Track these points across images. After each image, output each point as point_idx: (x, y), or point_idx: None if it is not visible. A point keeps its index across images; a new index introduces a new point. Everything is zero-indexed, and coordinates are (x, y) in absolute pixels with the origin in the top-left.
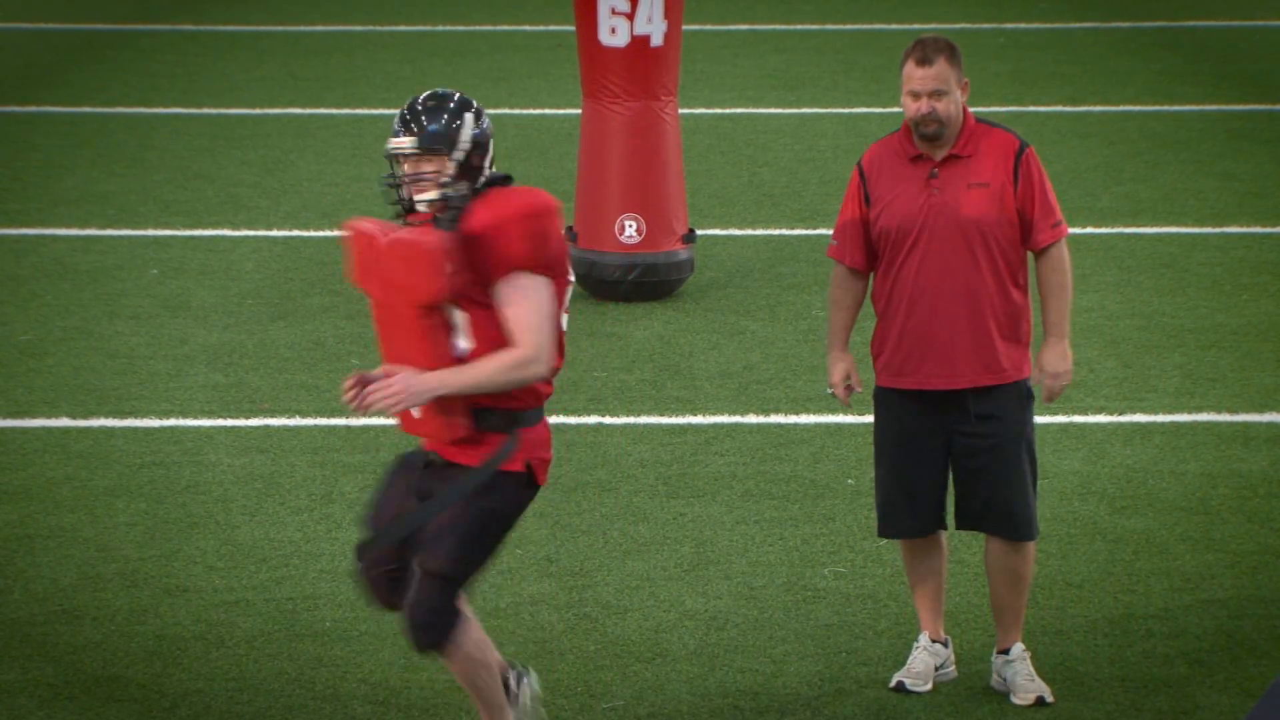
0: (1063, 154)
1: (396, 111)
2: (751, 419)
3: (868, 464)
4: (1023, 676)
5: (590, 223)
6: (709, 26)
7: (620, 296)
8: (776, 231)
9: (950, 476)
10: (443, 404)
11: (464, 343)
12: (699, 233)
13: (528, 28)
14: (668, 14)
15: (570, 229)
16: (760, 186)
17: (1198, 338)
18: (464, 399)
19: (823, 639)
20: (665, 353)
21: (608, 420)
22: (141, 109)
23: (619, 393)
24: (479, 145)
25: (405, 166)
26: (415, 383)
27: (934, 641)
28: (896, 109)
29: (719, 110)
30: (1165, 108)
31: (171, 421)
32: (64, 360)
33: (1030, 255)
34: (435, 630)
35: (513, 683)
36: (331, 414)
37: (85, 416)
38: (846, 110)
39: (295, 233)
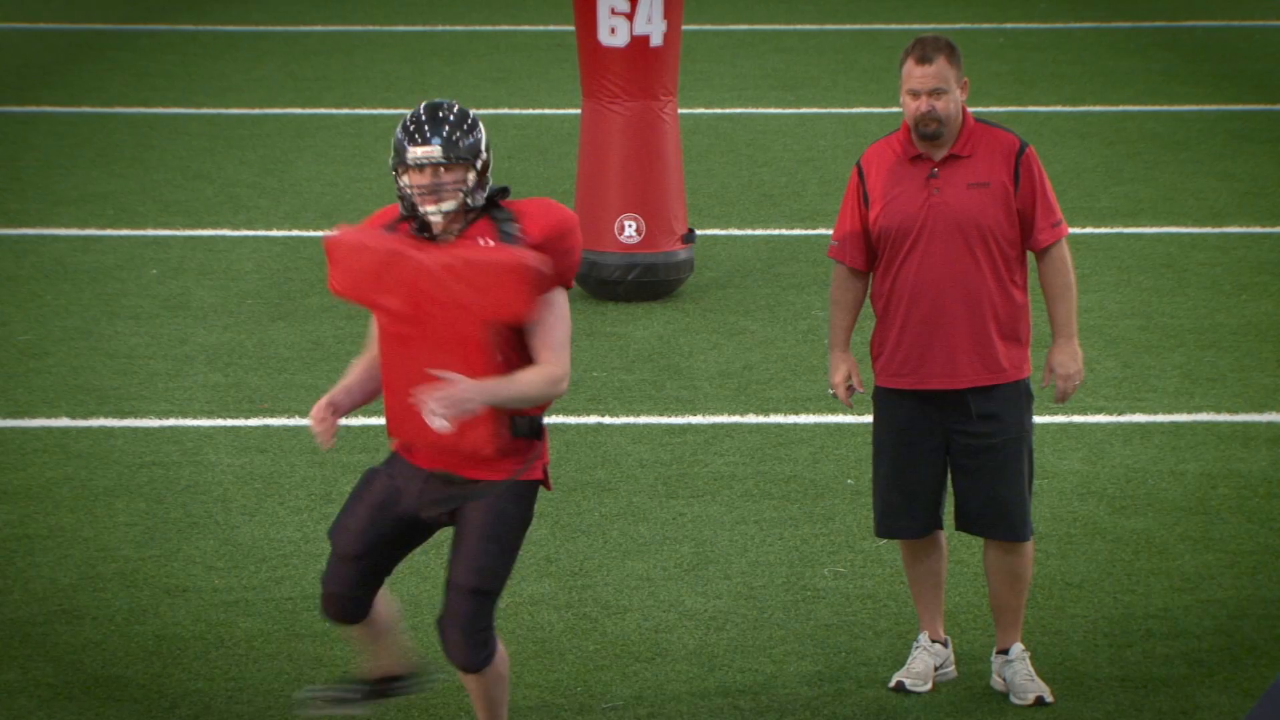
0: (1063, 154)
1: (398, 112)
2: (751, 419)
3: (867, 464)
4: (1022, 676)
5: (590, 223)
6: (709, 26)
7: (620, 296)
8: (776, 231)
9: (949, 477)
10: (491, 415)
11: None
12: (699, 233)
13: (528, 28)
14: (667, 14)
15: None
16: (760, 186)
17: (1197, 338)
18: (508, 410)
19: (823, 639)
20: (665, 353)
21: (608, 420)
22: (141, 109)
23: (619, 393)
24: (489, 155)
25: (425, 176)
26: (473, 391)
27: (934, 641)
28: (896, 109)
29: (719, 110)
30: (1165, 108)
31: (171, 421)
32: (64, 360)
33: (1031, 255)
34: (487, 648)
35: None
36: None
37: (85, 416)
38: (846, 110)
39: (295, 233)
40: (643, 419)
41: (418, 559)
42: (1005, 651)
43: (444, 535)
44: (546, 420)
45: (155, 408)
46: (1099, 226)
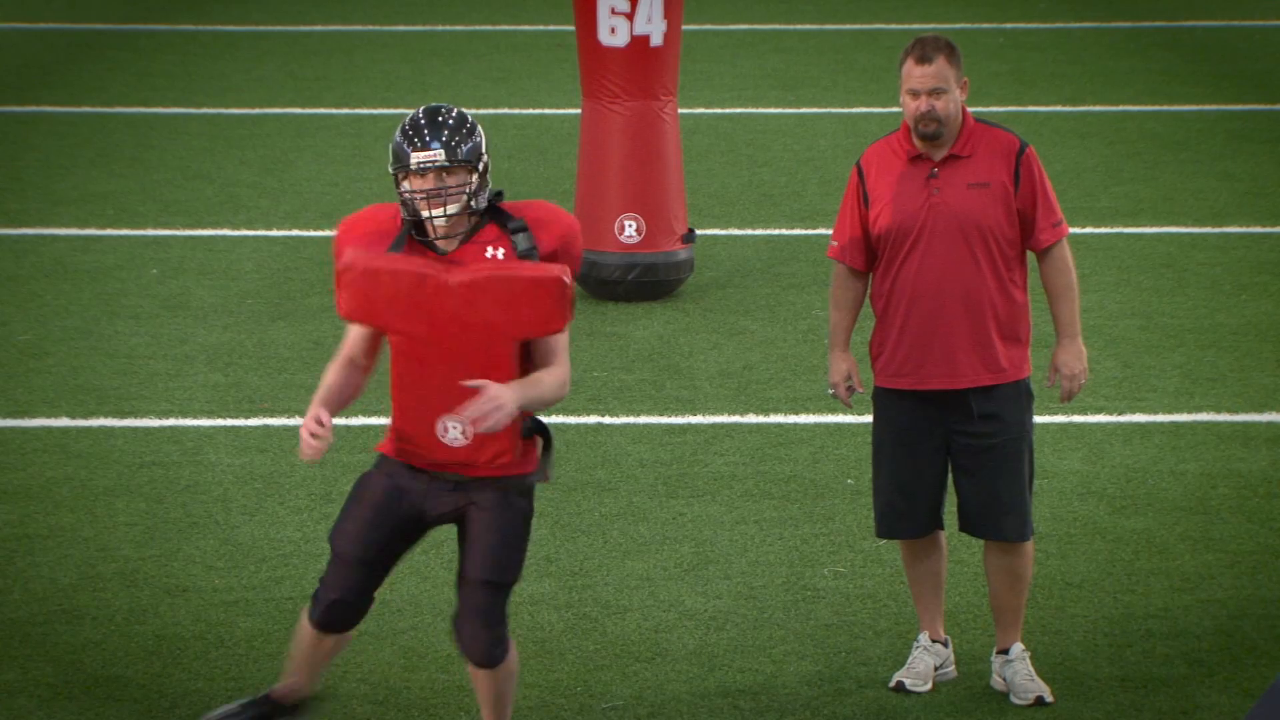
0: (1063, 154)
1: (398, 112)
2: (751, 419)
3: (867, 464)
4: (1022, 676)
5: (590, 223)
6: (709, 26)
7: (620, 296)
8: (776, 231)
9: (949, 477)
10: (514, 424)
11: None
12: (699, 233)
13: (528, 28)
14: (667, 14)
15: None
16: (760, 186)
17: (1197, 338)
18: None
19: (823, 639)
20: (665, 353)
21: (608, 420)
22: (141, 109)
23: (619, 393)
24: (488, 157)
25: (427, 181)
26: (507, 396)
27: (934, 641)
28: (896, 109)
29: (719, 110)
30: (1165, 108)
31: (171, 421)
32: (64, 360)
33: (1031, 255)
34: (503, 642)
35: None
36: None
37: (85, 416)
38: (846, 110)
39: (295, 233)
40: (643, 419)
41: (418, 559)
42: (1005, 651)
43: (441, 535)
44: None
45: (155, 408)
46: (1099, 226)
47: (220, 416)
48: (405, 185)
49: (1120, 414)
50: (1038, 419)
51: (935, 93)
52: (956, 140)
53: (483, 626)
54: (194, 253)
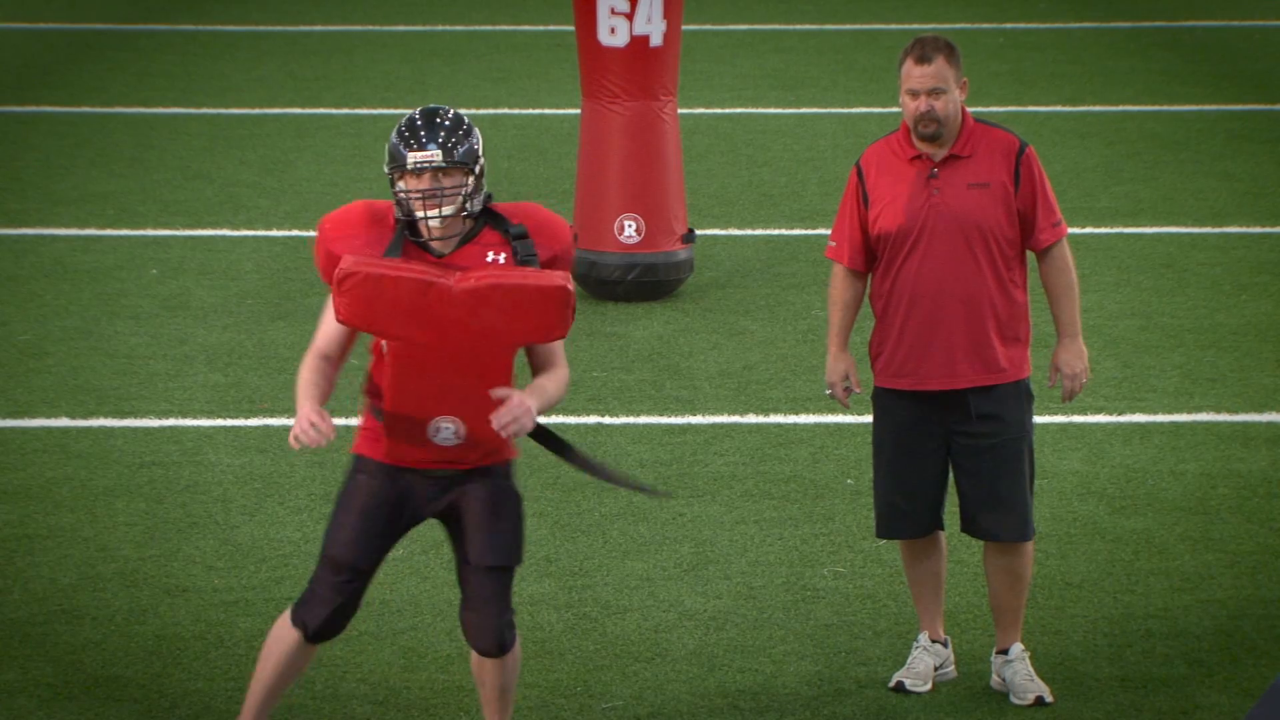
0: (1062, 154)
1: (398, 112)
2: (751, 419)
3: (867, 464)
4: (1022, 676)
5: (590, 223)
6: (709, 26)
7: (620, 296)
8: (776, 231)
9: (950, 477)
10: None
11: None
12: (699, 233)
13: (527, 28)
14: (667, 14)
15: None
16: (760, 186)
17: (1197, 338)
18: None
19: (822, 639)
20: (665, 353)
21: (608, 420)
22: (140, 109)
23: (619, 393)
24: (484, 160)
25: (424, 181)
26: (532, 402)
27: (934, 641)
28: (896, 109)
29: (719, 110)
30: (1165, 108)
31: (171, 421)
32: (64, 360)
33: (1031, 255)
34: (512, 628)
35: None
36: (330, 413)
37: (85, 416)
38: (846, 110)
39: (295, 233)
40: (643, 419)
41: (418, 559)
42: (1005, 651)
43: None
44: (547, 420)
45: (155, 408)
46: (1099, 226)
47: (220, 416)
48: (401, 185)
49: (1120, 414)
50: (1038, 419)
51: (934, 93)
52: (956, 140)
53: (493, 613)
54: (194, 253)
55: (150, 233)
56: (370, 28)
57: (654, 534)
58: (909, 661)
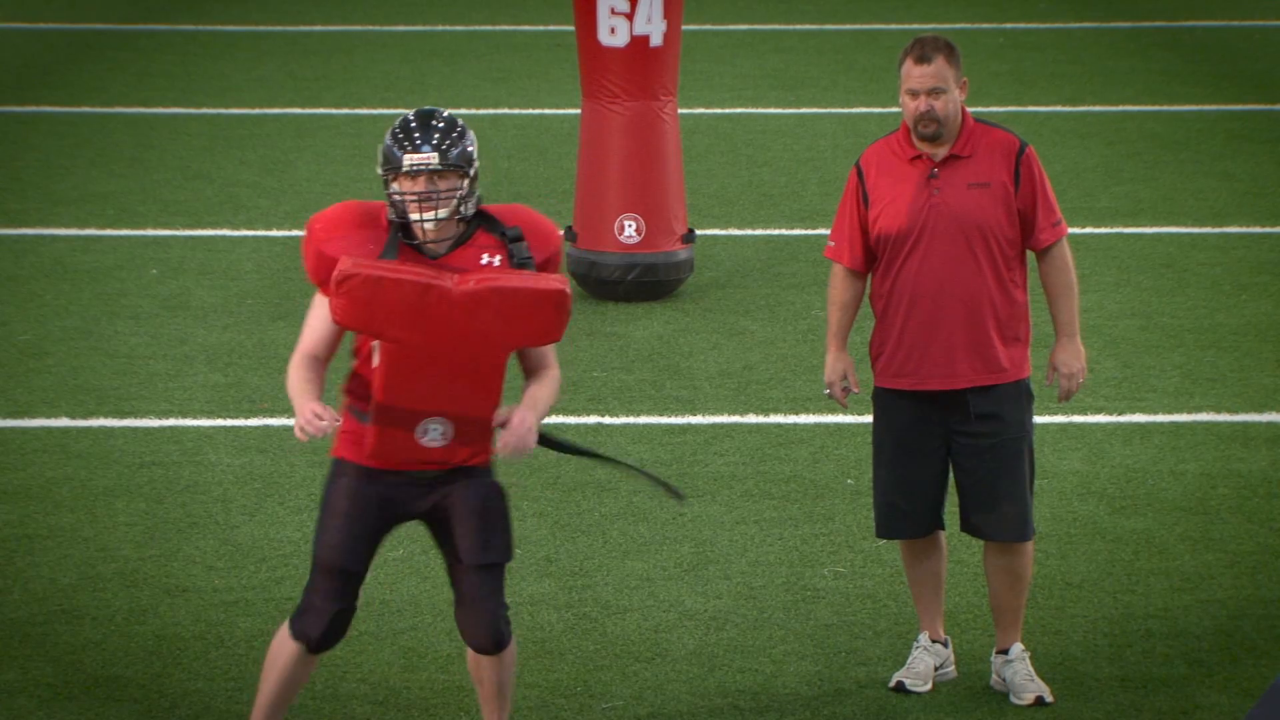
0: (1062, 154)
1: (398, 112)
2: (751, 419)
3: (867, 464)
4: (1022, 676)
5: (590, 223)
6: (709, 26)
7: (620, 296)
8: (776, 231)
9: (950, 477)
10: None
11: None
12: (699, 233)
13: (527, 28)
14: (667, 14)
15: (570, 229)
16: (760, 186)
17: (1197, 338)
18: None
19: (823, 639)
20: (665, 353)
21: (608, 420)
22: (140, 109)
23: (619, 393)
24: (478, 163)
25: (419, 183)
26: (533, 419)
27: (934, 641)
28: (896, 109)
29: (719, 110)
30: (1165, 108)
31: (171, 421)
32: (64, 360)
33: (1031, 255)
34: (509, 623)
35: None
36: None
37: (85, 416)
38: (846, 110)
39: (295, 233)
40: (643, 419)
41: (418, 559)
42: (1005, 651)
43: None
44: (547, 420)
45: (155, 408)
46: (1099, 226)
47: (220, 416)
48: (395, 187)
49: (1120, 414)
50: (1038, 419)
51: (934, 92)
52: (956, 140)
53: (489, 610)
54: (194, 253)
55: (150, 233)
56: (370, 28)
57: (654, 534)
58: (909, 661)
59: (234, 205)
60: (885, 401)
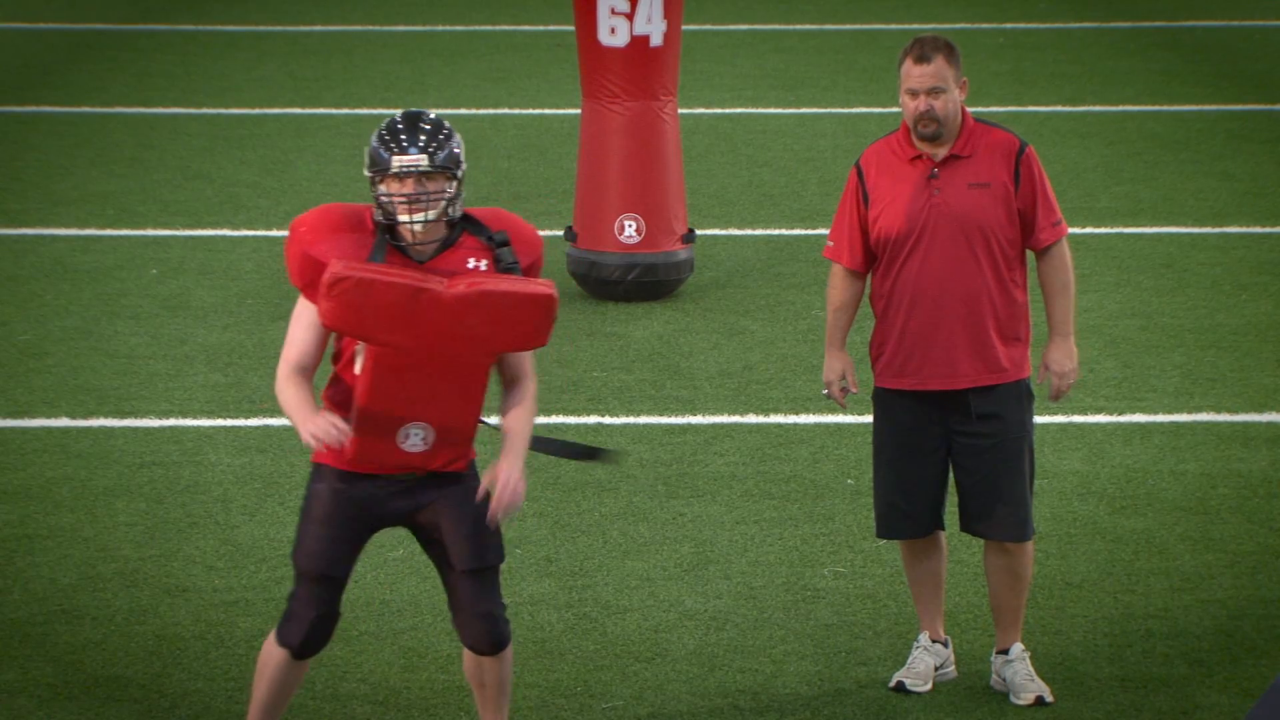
0: (1062, 154)
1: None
2: (751, 419)
3: (867, 464)
4: (1022, 676)
5: (590, 223)
6: (709, 26)
7: (620, 296)
8: (776, 231)
9: (950, 477)
10: (468, 432)
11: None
12: (699, 233)
13: (527, 28)
14: (667, 14)
15: (570, 229)
16: (760, 186)
17: (1197, 338)
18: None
19: (823, 639)
20: (665, 353)
21: (608, 420)
22: (140, 109)
23: (619, 393)
24: (465, 166)
25: (407, 185)
26: (519, 470)
27: (934, 641)
28: (896, 109)
29: (719, 110)
30: (1165, 108)
31: (171, 421)
32: (64, 360)
33: (1030, 254)
34: (507, 623)
35: None
36: None
37: (85, 416)
38: (846, 110)
39: None
40: (643, 419)
41: (418, 559)
42: (1005, 651)
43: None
44: (546, 420)
45: (155, 408)
46: (1099, 226)
47: (220, 416)
48: (383, 189)
49: (1120, 414)
50: (1038, 419)
51: (934, 92)
52: (956, 140)
53: (488, 612)
54: (194, 253)
55: (150, 233)
56: (370, 28)
57: (654, 534)
58: (909, 661)
59: (234, 205)
60: (885, 401)
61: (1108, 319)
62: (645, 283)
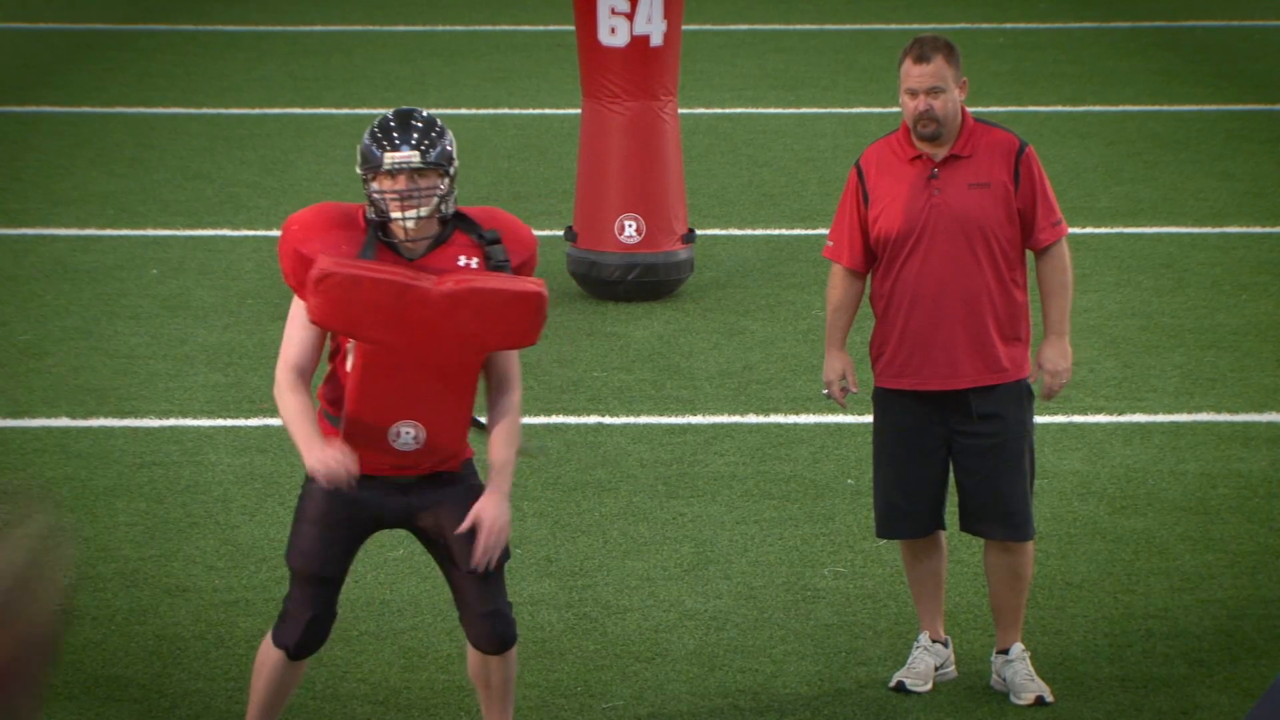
0: (1062, 154)
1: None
2: (751, 419)
3: (868, 464)
4: (1022, 676)
5: (590, 223)
6: (709, 26)
7: (620, 296)
8: (776, 231)
9: (950, 477)
10: (460, 431)
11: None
12: (699, 233)
13: (527, 28)
14: (667, 14)
15: (570, 229)
16: (760, 186)
17: (1198, 338)
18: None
19: (823, 639)
20: (665, 353)
21: (608, 420)
22: (141, 109)
23: (619, 393)
24: (457, 164)
25: (399, 182)
26: (504, 507)
27: (934, 641)
28: (896, 109)
29: (719, 110)
30: (1165, 108)
31: (171, 421)
32: (64, 360)
33: (1030, 254)
34: (514, 620)
35: None
36: None
37: (85, 416)
38: (846, 110)
39: None
40: (643, 419)
41: (418, 559)
42: (1005, 651)
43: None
44: (547, 420)
45: (155, 408)
46: (1099, 226)
47: (220, 416)
48: (375, 186)
49: (1120, 414)
50: (1038, 419)
51: (933, 92)
52: (956, 140)
53: (494, 613)
54: (194, 253)
55: (150, 233)
56: (370, 28)
57: (654, 534)
58: (909, 661)
59: (234, 205)
60: (886, 401)
61: (1108, 319)
62: (645, 283)
